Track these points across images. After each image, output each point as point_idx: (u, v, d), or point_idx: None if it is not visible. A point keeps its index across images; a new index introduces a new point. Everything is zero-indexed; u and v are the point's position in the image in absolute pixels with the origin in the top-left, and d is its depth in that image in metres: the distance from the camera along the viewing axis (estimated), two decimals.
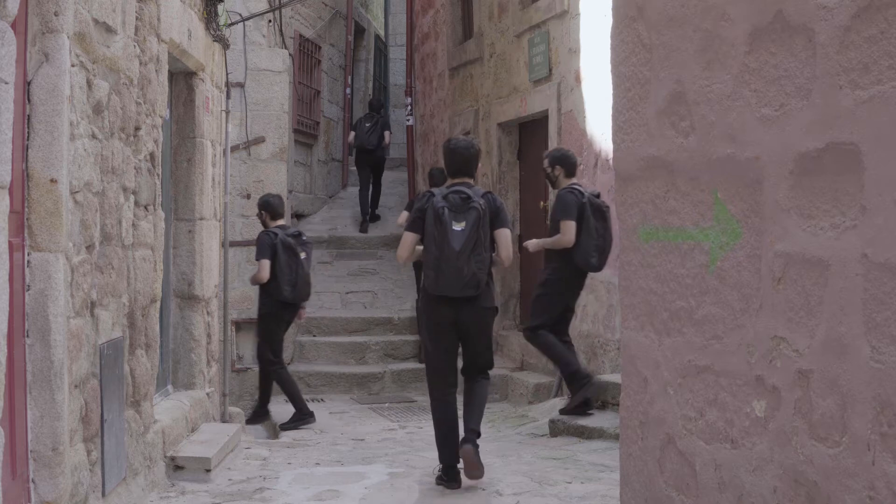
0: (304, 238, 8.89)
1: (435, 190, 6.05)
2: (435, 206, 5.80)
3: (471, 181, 6.03)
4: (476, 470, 5.81)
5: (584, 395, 7.45)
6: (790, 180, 3.08)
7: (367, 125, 13.97)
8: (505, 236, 5.97)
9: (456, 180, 6.00)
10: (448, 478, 5.89)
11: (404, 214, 10.69)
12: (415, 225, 5.94)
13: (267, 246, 8.57)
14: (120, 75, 5.00)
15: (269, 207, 8.87)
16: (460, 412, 6.03)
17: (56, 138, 4.05)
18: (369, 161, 14.08)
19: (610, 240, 7.33)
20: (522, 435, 7.83)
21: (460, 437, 5.89)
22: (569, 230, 7.31)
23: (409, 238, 5.96)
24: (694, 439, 3.61)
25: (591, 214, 7.32)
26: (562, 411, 7.68)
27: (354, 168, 14.59)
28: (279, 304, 8.67)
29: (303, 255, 8.68)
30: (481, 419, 6.03)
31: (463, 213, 5.79)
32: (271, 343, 8.80)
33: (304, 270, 8.70)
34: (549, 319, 7.53)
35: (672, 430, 3.76)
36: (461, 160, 6.00)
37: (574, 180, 7.64)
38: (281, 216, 8.90)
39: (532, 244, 7.79)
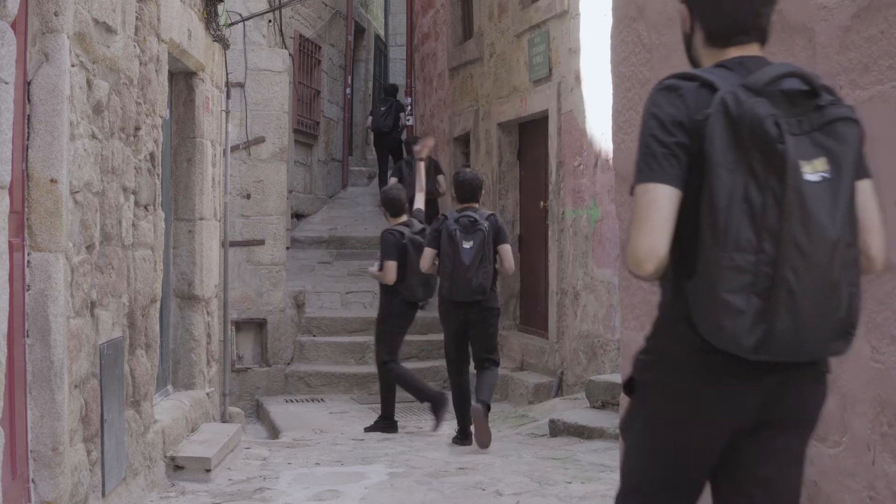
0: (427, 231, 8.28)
1: (448, 214, 7.30)
2: (448, 228, 7.07)
3: (476, 206, 7.29)
4: (482, 430, 6.93)
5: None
6: None
7: (382, 109, 15.06)
8: (506, 251, 7.27)
9: (464, 205, 7.26)
10: (461, 437, 7.27)
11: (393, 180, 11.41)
12: (433, 242, 7.20)
13: (393, 246, 7.99)
14: (120, 75, 5.00)
15: (387, 206, 8.34)
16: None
17: (56, 138, 4.05)
18: (386, 143, 15.06)
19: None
20: (522, 435, 7.83)
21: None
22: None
23: (429, 253, 7.23)
24: None
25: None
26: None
27: (370, 155, 15.48)
28: (407, 304, 8.17)
29: None
30: (491, 395, 7.21)
31: (471, 234, 7.05)
32: (388, 344, 8.22)
33: None
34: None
35: None
36: (469, 189, 7.28)
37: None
38: (402, 212, 8.29)
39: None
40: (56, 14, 4.05)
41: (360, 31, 17.38)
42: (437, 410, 8.02)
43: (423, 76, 14.64)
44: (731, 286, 2.12)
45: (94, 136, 4.59)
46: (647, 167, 2.21)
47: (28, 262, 3.99)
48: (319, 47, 14.24)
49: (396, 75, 19.63)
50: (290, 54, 11.94)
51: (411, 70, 15.16)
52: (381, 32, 20.09)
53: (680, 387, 2.27)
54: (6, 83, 3.33)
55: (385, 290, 8.13)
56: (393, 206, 8.27)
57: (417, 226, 8.19)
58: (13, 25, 3.42)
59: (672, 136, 2.20)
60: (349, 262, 13.02)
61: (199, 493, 5.70)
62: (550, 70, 9.63)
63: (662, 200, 2.18)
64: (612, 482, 5.33)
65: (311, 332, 11.38)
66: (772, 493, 2.33)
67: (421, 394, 8.14)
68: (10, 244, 3.55)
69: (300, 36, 13.21)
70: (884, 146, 2.68)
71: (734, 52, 2.33)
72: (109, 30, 4.77)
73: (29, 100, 4.00)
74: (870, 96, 2.74)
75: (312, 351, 11.13)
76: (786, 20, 3.10)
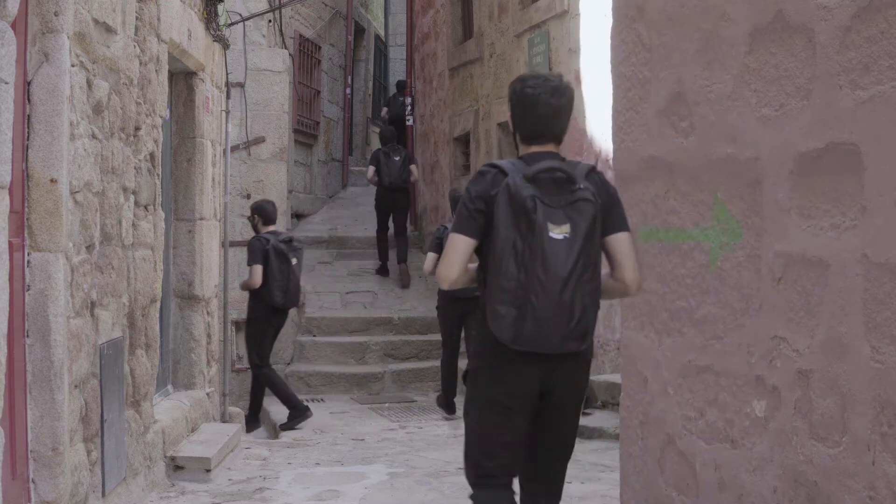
0: (296, 244, 8.90)
1: (448, 225, 7.82)
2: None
3: None
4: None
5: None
6: (790, 180, 3.08)
7: (401, 99, 15.58)
8: None
9: None
10: (447, 406, 8.72)
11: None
12: (436, 248, 8.00)
13: (259, 252, 8.58)
14: (120, 75, 5.00)
15: (262, 212, 8.88)
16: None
17: (56, 138, 4.05)
18: (399, 133, 14.70)
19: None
20: None
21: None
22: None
23: (432, 257, 8.08)
24: (694, 439, 3.61)
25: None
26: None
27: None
28: (269, 309, 8.69)
29: (294, 261, 8.68)
30: None
31: None
32: (258, 347, 8.81)
33: (294, 276, 8.72)
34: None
35: (672, 430, 3.76)
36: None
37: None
38: (273, 222, 8.92)
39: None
40: (56, 14, 4.05)
41: (360, 31, 17.37)
42: (295, 418, 8.57)
43: (423, 76, 14.63)
44: (499, 300, 3.26)
45: (94, 136, 4.59)
46: (457, 223, 3.37)
47: (28, 262, 3.99)
48: (319, 47, 14.23)
49: (396, 75, 19.62)
50: (290, 54, 11.93)
51: (411, 70, 15.14)
52: (381, 32, 20.08)
53: (488, 367, 3.39)
54: (6, 83, 3.33)
55: (251, 294, 8.78)
56: (265, 213, 8.87)
57: (284, 235, 8.84)
58: (13, 25, 3.42)
59: (474, 204, 3.33)
60: (349, 262, 13.00)
61: (199, 493, 5.70)
62: (550, 70, 9.62)
63: (459, 245, 3.35)
64: (612, 482, 5.32)
65: (311, 332, 11.37)
66: (555, 441, 3.55)
67: (287, 401, 8.68)
68: (10, 244, 3.55)
69: (300, 36, 13.20)
70: (884, 146, 2.68)
71: (535, 148, 3.41)
72: (109, 30, 4.77)
73: (29, 100, 4.00)
74: (870, 96, 2.74)
75: (312, 351, 11.12)
76: (786, 20, 3.10)
